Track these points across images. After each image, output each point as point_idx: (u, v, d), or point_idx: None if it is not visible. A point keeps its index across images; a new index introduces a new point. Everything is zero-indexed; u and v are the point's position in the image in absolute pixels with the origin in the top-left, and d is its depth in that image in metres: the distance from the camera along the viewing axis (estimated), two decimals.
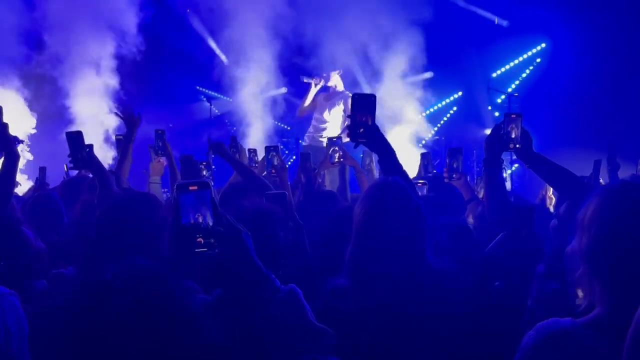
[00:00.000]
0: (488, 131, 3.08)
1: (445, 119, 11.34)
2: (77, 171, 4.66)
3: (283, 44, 9.22)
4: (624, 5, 9.27)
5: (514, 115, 2.98)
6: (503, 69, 10.98)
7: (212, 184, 1.66)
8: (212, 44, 10.95)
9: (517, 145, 2.95)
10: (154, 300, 1.34)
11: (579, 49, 9.71)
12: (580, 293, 1.51)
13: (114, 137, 8.02)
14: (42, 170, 5.54)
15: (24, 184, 7.60)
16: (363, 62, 9.37)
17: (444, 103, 11.34)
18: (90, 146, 3.70)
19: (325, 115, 8.15)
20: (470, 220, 3.98)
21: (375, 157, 6.04)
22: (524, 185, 9.60)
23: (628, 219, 1.45)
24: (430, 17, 9.09)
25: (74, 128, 8.87)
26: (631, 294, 1.38)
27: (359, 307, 2.01)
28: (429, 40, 9.20)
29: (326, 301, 2.07)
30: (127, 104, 9.07)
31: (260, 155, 5.61)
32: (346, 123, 7.76)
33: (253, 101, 9.90)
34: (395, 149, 2.68)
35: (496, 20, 10.79)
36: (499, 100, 10.89)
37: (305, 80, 8.28)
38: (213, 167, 6.07)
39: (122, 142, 4.70)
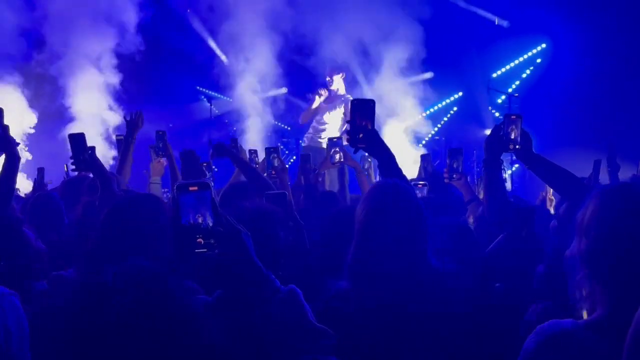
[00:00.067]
0: (488, 131, 3.08)
1: (445, 119, 11.33)
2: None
3: (283, 43, 9.22)
4: (624, 5, 9.27)
5: (514, 116, 2.98)
6: (503, 69, 10.98)
7: (213, 184, 1.67)
8: (212, 44, 10.95)
9: (517, 146, 2.95)
10: (154, 301, 1.34)
11: (579, 50, 9.71)
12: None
13: (114, 137, 8.03)
14: (41, 171, 5.54)
15: (23, 183, 7.59)
16: (363, 62, 9.37)
17: (444, 103, 11.33)
18: (93, 148, 3.71)
19: (326, 117, 8.16)
20: (471, 220, 3.98)
21: (374, 162, 6.06)
22: (525, 186, 9.59)
23: (626, 220, 1.45)
24: (431, 17, 9.09)
25: (73, 127, 8.89)
26: (632, 295, 1.38)
27: (361, 308, 2.02)
28: (430, 40, 9.20)
29: (328, 303, 2.07)
30: (133, 109, 9.11)
31: (261, 156, 5.62)
32: (345, 126, 7.77)
33: (253, 101, 9.90)
34: (395, 150, 2.69)
35: (496, 20, 10.79)
36: (499, 101, 10.89)
37: (312, 97, 8.27)
38: (214, 167, 6.08)
39: (123, 145, 4.70)
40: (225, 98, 10.94)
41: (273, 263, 1.83)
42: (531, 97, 10.30)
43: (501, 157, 3.06)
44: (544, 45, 10.67)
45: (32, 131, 9.46)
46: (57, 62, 9.06)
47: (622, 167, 5.24)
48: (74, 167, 3.64)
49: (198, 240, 1.52)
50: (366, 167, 5.65)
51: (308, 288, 1.78)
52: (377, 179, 5.99)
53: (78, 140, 3.61)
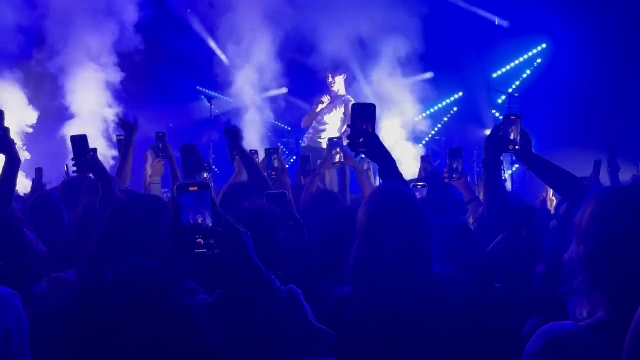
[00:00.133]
0: (488, 132, 3.08)
1: (445, 119, 11.33)
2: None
3: (283, 43, 9.22)
4: (624, 5, 9.26)
5: (514, 117, 2.98)
6: (504, 70, 10.98)
7: (213, 185, 1.67)
8: (212, 44, 10.95)
9: (517, 147, 2.95)
10: (154, 301, 1.34)
11: (579, 50, 9.71)
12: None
13: (115, 138, 8.03)
14: (39, 171, 5.53)
15: (22, 183, 7.60)
16: (363, 62, 9.37)
17: (444, 103, 11.33)
18: (94, 150, 3.71)
19: (326, 117, 8.16)
20: (471, 221, 3.97)
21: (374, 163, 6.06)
22: (525, 187, 9.59)
23: (624, 224, 1.46)
24: (431, 18, 9.09)
25: (73, 126, 8.90)
26: (631, 298, 1.37)
27: (363, 312, 2.02)
28: (430, 40, 9.20)
29: (330, 307, 2.07)
30: (133, 108, 9.11)
31: (261, 156, 5.61)
32: (345, 126, 7.76)
33: (253, 101, 9.90)
34: (394, 148, 2.69)
35: (497, 20, 10.79)
36: (499, 101, 10.89)
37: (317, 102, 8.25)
38: (214, 168, 6.08)
39: (123, 148, 4.70)
40: (225, 98, 10.94)
41: (273, 263, 1.83)
42: (531, 97, 10.29)
43: (501, 158, 3.06)
44: (544, 46, 10.67)
45: (31, 130, 9.46)
46: (57, 61, 9.07)
47: (622, 167, 5.24)
48: (75, 169, 3.64)
49: (198, 240, 1.52)
50: (365, 167, 5.65)
51: (308, 288, 1.78)
52: (377, 179, 6.00)
53: (80, 142, 3.62)
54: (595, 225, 1.50)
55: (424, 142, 10.75)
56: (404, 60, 9.02)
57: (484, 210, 3.18)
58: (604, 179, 4.98)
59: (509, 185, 9.20)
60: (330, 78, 8.14)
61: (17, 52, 9.03)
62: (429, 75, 10.24)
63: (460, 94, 11.26)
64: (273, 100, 10.69)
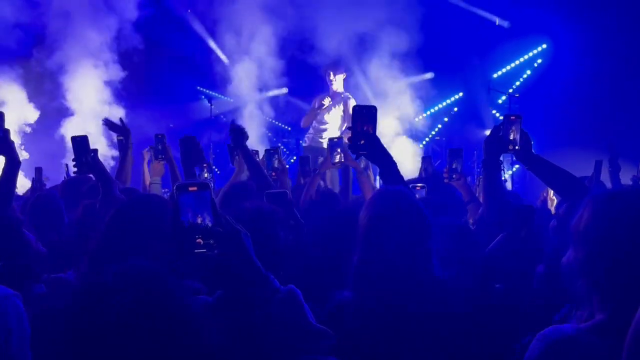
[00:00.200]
0: (488, 132, 3.08)
1: (446, 119, 11.34)
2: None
3: (284, 43, 9.23)
4: (624, 5, 9.26)
5: (514, 117, 2.98)
6: (504, 70, 10.98)
7: (213, 185, 1.67)
8: (212, 44, 10.95)
9: (517, 147, 2.95)
10: (153, 301, 1.34)
11: (579, 50, 9.71)
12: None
13: (115, 138, 8.03)
14: (39, 170, 5.53)
15: (20, 181, 7.60)
16: (363, 61, 9.37)
17: (444, 104, 11.33)
18: (95, 151, 3.71)
19: (326, 117, 8.15)
20: (470, 222, 3.97)
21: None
22: (525, 187, 9.59)
23: (622, 227, 1.47)
24: (432, 18, 9.10)
25: (72, 125, 8.91)
26: (629, 301, 1.38)
27: (364, 315, 2.01)
28: (430, 40, 9.20)
29: (331, 310, 2.07)
30: (133, 107, 9.09)
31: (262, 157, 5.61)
32: (345, 125, 7.75)
33: (253, 101, 9.91)
34: (396, 152, 2.69)
35: (497, 21, 10.79)
36: (499, 101, 10.89)
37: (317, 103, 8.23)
38: (215, 168, 6.08)
39: (120, 152, 4.69)
40: (225, 98, 10.94)
41: (273, 263, 1.83)
42: (531, 97, 10.29)
43: (501, 158, 3.06)
44: (544, 46, 10.67)
45: (29, 130, 9.47)
46: (57, 60, 9.07)
47: (622, 167, 5.25)
48: (76, 169, 3.64)
49: (197, 240, 1.52)
50: (363, 165, 5.65)
51: (308, 288, 1.78)
52: (377, 179, 5.99)
53: (81, 142, 3.62)
54: (593, 228, 1.51)
55: (424, 142, 10.76)
56: (404, 60, 9.03)
57: (484, 210, 3.18)
58: (605, 178, 4.99)
59: (509, 185, 9.21)
60: (332, 76, 8.11)
61: (16, 51, 9.03)
62: (429, 75, 10.25)
63: (461, 94, 11.26)
64: (273, 100, 10.69)
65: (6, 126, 3.07)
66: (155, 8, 10.04)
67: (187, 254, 1.52)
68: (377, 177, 6.11)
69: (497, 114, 10.74)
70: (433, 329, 1.96)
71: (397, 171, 2.64)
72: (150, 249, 2.01)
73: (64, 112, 9.40)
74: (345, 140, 3.67)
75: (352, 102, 7.90)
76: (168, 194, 5.81)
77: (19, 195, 5.04)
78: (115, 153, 8.05)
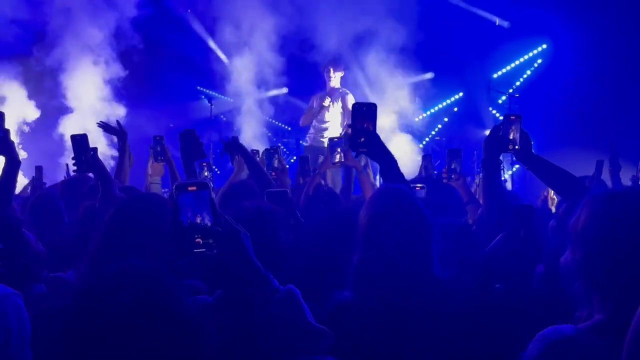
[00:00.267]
0: (488, 132, 3.08)
1: (446, 119, 11.34)
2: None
3: (284, 43, 9.23)
4: (624, 5, 9.26)
5: (514, 117, 2.98)
6: (504, 70, 10.98)
7: (212, 184, 1.67)
8: (212, 44, 10.95)
9: (517, 147, 2.94)
10: (152, 301, 1.34)
11: (579, 50, 9.71)
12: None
13: (115, 138, 8.03)
14: (39, 169, 5.53)
15: (19, 181, 7.59)
16: (363, 62, 9.38)
17: (444, 104, 11.34)
18: (95, 149, 3.71)
19: (326, 115, 8.14)
20: (470, 222, 3.97)
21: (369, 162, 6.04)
22: (525, 187, 9.59)
23: (620, 228, 1.47)
24: (432, 18, 9.10)
25: (72, 123, 8.90)
26: (629, 300, 1.38)
27: (364, 314, 2.01)
28: (430, 41, 9.20)
29: (331, 310, 2.07)
30: (133, 106, 9.07)
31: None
32: (346, 120, 7.73)
33: (253, 101, 9.91)
34: (395, 149, 2.68)
35: (497, 21, 10.79)
36: (499, 101, 10.89)
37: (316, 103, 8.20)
38: (215, 168, 6.08)
39: (118, 155, 4.68)
40: (225, 98, 10.94)
41: (273, 263, 1.83)
42: (531, 97, 10.30)
43: (501, 158, 3.06)
44: (544, 46, 10.67)
45: (27, 129, 9.46)
46: (57, 58, 9.07)
47: (622, 167, 5.25)
48: (75, 167, 3.64)
49: (197, 240, 1.52)
50: (363, 163, 5.64)
51: (308, 288, 1.78)
52: (378, 177, 5.99)
53: (80, 141, 3.62)
54: (591, 229, 1.51)
55: (424, 142, 10.76)
56: (404, 60, 9.03)
57: (484, 210, 3.18)
58: (605, 178, 5.00)
59: (509, 186, 9.21)
60: (332, 72, 8.09)
61: (16, 48, 9.03)
62: (429, 75, 10.26)
63: (461, 94, 11.26)
64: (273, 100, 10.69)
65: (6, 125, 3.08)
66: (155, 7, 10.04)
67: (187, 254, 1.52)
68: (378, 177, 6.11)
69: (497, 114, 10.73)
70: (433, 328, 1.96)
71: (397, 168, 2.63)
72: (150, 248, 2.01)
73: (64, 111, 9.40)
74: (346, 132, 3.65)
75: (350, 98, 7.88)
76: (168, 193, 5.81)
77: (17, 195, 5.04)
78: (115, 153, 8.04)
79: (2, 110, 3.09)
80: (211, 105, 10.56)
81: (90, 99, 9.17)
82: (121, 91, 9.54)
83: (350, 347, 1.85)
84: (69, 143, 3.66)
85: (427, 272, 2.06)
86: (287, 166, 5.26)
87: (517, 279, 2.55)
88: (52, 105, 9.51)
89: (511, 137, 2.94)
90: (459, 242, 2.66)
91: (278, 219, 2.47)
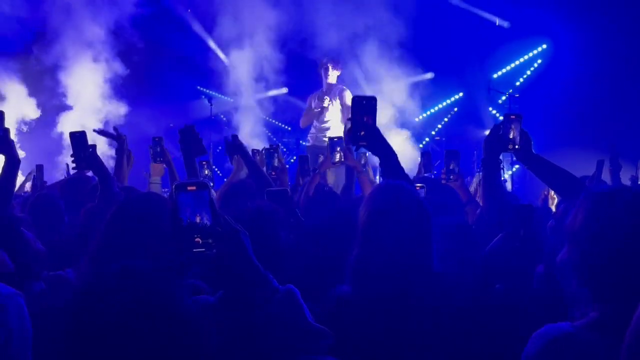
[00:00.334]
0: (488, 132, 3.08)
1: (446, 119, 11.35)
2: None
3: (284, 42, 9.22)
4: (624, 5, 9.27)
5: (514, 116, 2.97)
6: (504, 70, 10.98)
7: (212, 184, 1.67)
8: (212, 44, 10.96)
9: (517, 146, 2.94)
10: (150, 301, 1.34)
11: (579, 50, 9.71)
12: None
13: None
14: (40, 168, 5.53)
15: (17, 180, 7.59)
16: (363, 62, 9.38)
17: (444, 104, 11.34)
18: (93, 146, 3.71)
19: (326, 114, 8.12)
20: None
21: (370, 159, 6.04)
22: (525, 187, 9.60)
23: (615, 226, 1.48)
24: (432, 19, 9.10)
25: (71, 122, 8.90)
26: (624, 298, 1.40)
27: (363, 310, 2.01)
28: (430, 41, 9.20)
29: (329, 307, 2.07)
30: (133, 106, 9.07)
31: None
32: (348, 115, 7.71)
33: (253, 101, 9.91)
34: (394, 148, 2.67)
35: (497, 21, 10.80)
36: (499, 101, 10.90)
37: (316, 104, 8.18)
38: (215, 168, 6.08)
39: (116, 158, 4.68)
40: (225, 97, 10.95)
41: (273, 263, 1.83)
42: (531, 97, 10.30)
43: (501, 158, 3.05)
44: (544, 46, 10.67)
45: (25, 128, 9.47)
46: (56, 56, 9.07)
47: (623, 167, 5.26)
48: (74, 165, 3.63)
49: (196, 239, 1.52)
50: (362, 162, 5.63)
51: (308, 288, 1.78)
52: (378, 176, 5.99)
53: (79, 138, 3.61)
54: (587, 228, 1.52)
55: (424, 142, 10.76)
56: (404, 60, 9.03)
57: (483, 210, 3.18)
58: (605, 178, 5.00)
59: (508, 186, 9.21)
60: (330, 69, 8.06)
61: (16, 46, 9.03)
62: (429, 75, 10.26)
63: (461, 94, 11.27)
64: (273, 99, 10.70)
65: (7, 127, 3.07)
66: (155, 7, 10.04)
67: (186, 253, 1.52)
68: (377, 177, 6.11)
69: (497, 114, 10.74)
70: (432, 324, 1.96)
71: (397, 162, 2.62)
72: (150, 248, 2.01)
73: (63, 109, 9.41)
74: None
75: (347, 94, 7.86)
76: (168, 193, 5.81)
77: (16, 194, 5.04)
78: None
79: (2, 109, 3.08)
80: (211, 104, 10.57)
81: (89, 97, 9.17)
82: (121, 90, 9.55)
83: (348, 342, 1.85)
84: (67, 141, 3.66)
85: (427, 267, 2.06)
86: (287, 166, 5.26)
87: (517, 278, 2.55)
88: (52, 103, 9.52)
89: (511, 136, 2.94)
90: (458, 242, 2.66)
91: (278, 219, 2.46)
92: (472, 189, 5.42)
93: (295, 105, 11.10)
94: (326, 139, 7.78)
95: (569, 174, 2.90)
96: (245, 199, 3.17)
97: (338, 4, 8.87)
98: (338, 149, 4.43)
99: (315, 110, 8.00)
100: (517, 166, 9.64)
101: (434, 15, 9.69)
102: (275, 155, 4.72)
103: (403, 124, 9.38)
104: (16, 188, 5.81)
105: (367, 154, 5.93)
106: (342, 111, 7.94)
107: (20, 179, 7.24)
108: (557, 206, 4.85)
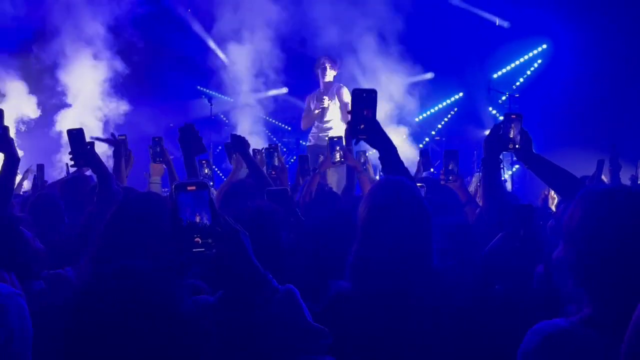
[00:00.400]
0: (488, 132, 3.08)
1: (446, 119, 11.34)
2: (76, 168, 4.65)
3: (284, 42, 9.23)
4: (624, 5, 9.27)
5: (514, 116, 2.97)
6: (504, 70, 10.98)
7: (212, 183, 1.67)
8: (212, 43, 10.96)
9: (517, 146, 2.94)
10: (148, 301, 1.34)
11: (579, 50, 9.71)
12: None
13: (117, 136, 8.03)
14: (40, 167, 5.53)
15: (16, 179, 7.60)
16: (363, 62, 9.38)
17: (444, 104, 11.34)
18: (92, 143, 3.70)
19: (327, 113, 8.11)
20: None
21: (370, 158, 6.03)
22: (525, 187, 9.60)
23: (610, 226, 1.48)
24: (432, 19, 9.10)
25: (71, 120, 8.90)
26: (618, 297, 1.42)
27: (362, 307, 2.01)
28: (431, 41, 9.20)
29: (328, 303, 2.06)
30: (133, 105, 9.07)
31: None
32: (347, 111, 7.69)
33: (253, 100, 9.91)
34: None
35: (497, 21, 10.80)
36: (500, 102, 10.90)
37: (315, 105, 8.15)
38: (214, 167, 6.08)
39: (114, 160, 4.67)
40: (225, 97, 10.95)
41: (274, 263, 1.83)
42: (531, 97, 10.30)
43: (501, 157, 3.05)
44: (544, 46, 10.67)
45: (23, 128, 9.47)
46: (56, 56, 9.07)
47: (623, 167, 5.26)
48: (72, 162, 3.63)
49: (196, 239, 1.51)
50: (362, 160, 5.63)
51: (308, 287, 1.77)
52: (378, 176, 5.98)
53: (77, 135, 3.60)
54: (584, 227, 1.52)
55: (423, 143, 10.76)
56: (403, 60, 9.03)
57: (483, 209, 3.18)
58: (606, 178, 5.01)
59: (508, 186, 9.21)
60: (329, 68, 8.04)
61: (16, 46, 9.03)
62: (429, 75, 10.26)
63: (461, 94, 11.26)
64: (273, 99, 10.70)
65: (6, 125, 3.07)
66: (155, 6, 10.05)
67: (185, 253, 1.52)
68: (378, 176, 6.11)
69: (497, 114, 10.74)
70: (431, 321, 1.96)
71: (397, 156, 2.61)
72: (150, 248, 2.01)
73: (62, 108, 9.41)
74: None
75: (345, 91, 7.83)
76: (168, 193, 5.80)
77: (15, 193, 5.04)
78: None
79: (1, 108, 3.08)
80: (211, 104, 10.57)
81: (89, 96, 9.18)
82: (121, 89, 9.55)
83: (346, 338, 1.85)
84: (65, 140, 3.65)
85: (426, 264, 2.06)
86: (287, 166, 5.26)
87: (517, 278, 2.55)
88: (51, 102, 9.52)
89: (511, 135, 2.93)
90: (458, 242, 2.66)
91: (278, 219, 2.46)
92: (471, 189, 5.43)
93: (295, 105, 11.10)
94: (328, 139, 7.77)
95: (569, 173, 2.90)
96: (245, 199, 3.17)
97: (338, 3, 8.87)
98: (337, 148, 4.43)
99: (316, 111, 7.98)
100: (517, 166, 9.64)
101: (434, 15, 9.70)
102: (275, 154, 4.71)
103: (402, 123, 9.38)
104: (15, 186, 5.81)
105: (367, 153, 5.92)
106: (341, 108, 7.92)
107: (17, 177, 7.25)
108: (557, 206, 4.85)
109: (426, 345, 1.96)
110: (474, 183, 5.88)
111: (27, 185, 6.77)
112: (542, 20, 10.13)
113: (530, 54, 10.82)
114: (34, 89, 9.49)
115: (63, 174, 6.16)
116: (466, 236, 2.77)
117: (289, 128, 11.79)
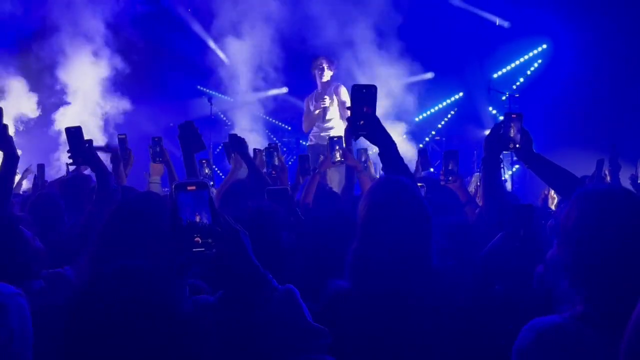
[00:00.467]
0: (489, 132, 3.08)
1: (446, 119, 11.34)
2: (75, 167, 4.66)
3: (284, 41, 9.22)
4: (624, 5, 9.27)
5: (514, 115, 2.97)
6: (504, 70, 10.98)
7: (212, 183, 1.66)
8: (212, 43, 10.95)
9: (517, 145, 2.94)
10: (149, 301, 1.34)
11: (580, 50, 9.72)
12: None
13: (117, 136, 8.02)
14: (41, 167, 5.52)
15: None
16: (363, 62, 9.38)
17: (444, 104, 11.34)
18: (90, 141, 3.69)
19: (328, 113, 8.10)
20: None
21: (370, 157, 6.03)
22: (525, 187, 9.60)
23: (603, 227, 1.50)
24: (432, 19, 9.10)
25: (71, 120, 8.90)
26: (611, 296, 1.45)
27: (361, 306, 2.01)
28: (431, 41, 9.20)
29: (328, 302, 2.06)
30: (133, 104, 9.07)
31: None
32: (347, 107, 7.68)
33: (253, 100, 9.91)
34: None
35: (497, 21, 10.80)
36: (500, 101, 10.90)
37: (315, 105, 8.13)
38: (214, 167, 6.08)
39: (112, 161, 4.67)
40: (225, 97, 10.94)
41: (274, 263, 1.82)
42: (531, 97, 10.30)
43: (501, 157, 3.05)
44: (544, 46, 10.67)
45: (22, 127, 9.47)
46: (55, 54, 9.07)
47: (622, 167, 5.27)
48: (71, 160, 3.62)
49: (196, 239, 1.51)
50: (363, 159, 5.62)
51: (308, 287, 1.77)
52: (378, 174, 5.98)
53: (75, 133, 3.60)
54: (580, 228, 1.54)
55: (423, 142, 10.77)
56: (403, 60, 9.03)
57: (483, 209, 3.18)
58: (606, 177, 5.01)
59: (508, 186, 9.21)
60: (326, 68, 8.02)
61: (15, 44, 9.03)
62: (429, 75, 10.25)
63: (461, 94, 11.26)
64: (273, 99, 10.70)
65: (5, 123, 3.07)
66: (155, 6, 10.05)
67: (185, 253, 1.52)
68: (378, 175, 6.10)
69: (497, 114, 10.74)
70: (430, 319, 1.96)
71: (397, 152, 2.61)
72: (149, 247, 2.01)
73: (62, 106, 9.41)
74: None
75: (343, 90, 7.82)
76: (168, 193, 5.80)
77: (14, 192, 5.04)
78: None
79: (1, 106, 3.08)
80: (211, 104, 10.56)
81: (88, 95, 9.18)
82: (121, 88, 9.56)
83: (346, 336, 1.85)
84: (64, 138, 3.65)
85: (426, 263, 2.06)
86: (287, 165, 5.26)
87: (517, 278, 2.55)
88: (50, 101, 9.52)
89: (512, 135, 2.93)
90: (458, 242, 2.66)
91: (278, 219, 2.46)
92: (471, 189, 5.43)
93: (295, 105, 11.10)
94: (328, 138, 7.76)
95: (570, 173, 2.90)
96: (245, 198, 3.17)
97: (338, 3, 8.87)
98: (337, 147, 4.43)
99: (316, 112, 7.97)
100: (517, 166, 9.65)
101: (434, 15, 9.70)
102: (275, 154, 4.71)
103: (400, 119, 9.38)
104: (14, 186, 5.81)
105: (369, 152, 5.92)
106: (339, 107, 7.91)
107: (16, 177, 7.25)
108: (557, 206, 4.85)
109: (426, 345, 1.96)
110: (474, 183, 5.87)
111: (26, 184, 6.76)
112: (542, 20, 10.13)
113: (530, 54, 10.82)
114: (33, 87, 9.49)
115: (61, 173, 6.16)
116: (466, 236, 2.77)
117: (289, 128, 11.79)
